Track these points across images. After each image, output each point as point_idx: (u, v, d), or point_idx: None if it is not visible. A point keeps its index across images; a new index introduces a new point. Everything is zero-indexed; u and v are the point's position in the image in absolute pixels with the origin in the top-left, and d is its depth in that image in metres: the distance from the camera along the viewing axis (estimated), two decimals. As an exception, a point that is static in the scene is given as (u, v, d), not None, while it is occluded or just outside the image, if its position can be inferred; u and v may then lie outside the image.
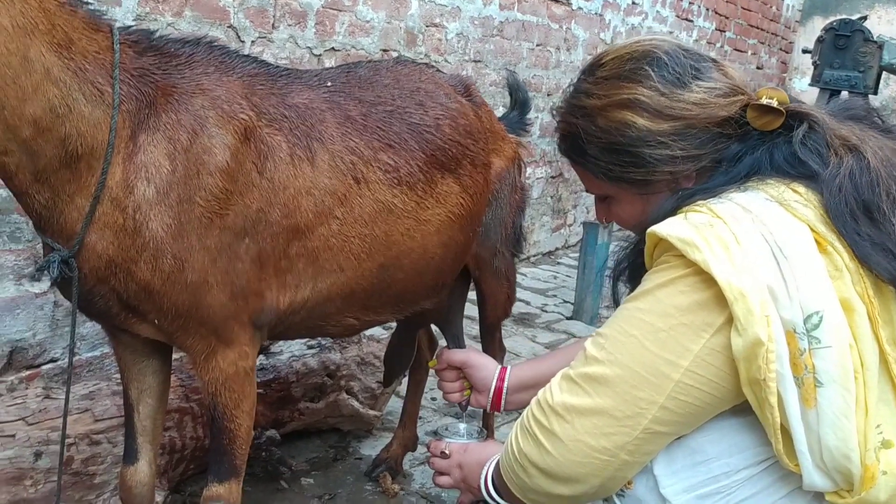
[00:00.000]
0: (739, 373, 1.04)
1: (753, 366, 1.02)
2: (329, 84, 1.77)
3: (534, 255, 5.49)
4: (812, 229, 1.06)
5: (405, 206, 1.78)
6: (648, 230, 1.14)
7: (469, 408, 1.67)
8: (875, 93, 5.67)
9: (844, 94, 5.65)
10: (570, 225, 5.94)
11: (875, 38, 5.77)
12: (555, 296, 4.77)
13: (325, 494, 2.43)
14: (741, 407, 1.10)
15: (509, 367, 1.60)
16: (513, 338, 3.93)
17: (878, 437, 1.04)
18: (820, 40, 6.74)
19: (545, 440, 1.14)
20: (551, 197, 5.59)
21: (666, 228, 1.10)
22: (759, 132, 1.18)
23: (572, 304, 4.48)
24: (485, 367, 1.61)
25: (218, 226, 1.49)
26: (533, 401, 1.21)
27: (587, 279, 4.30)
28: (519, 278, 4.89)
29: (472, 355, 1.64)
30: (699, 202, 1.13)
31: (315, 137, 1.66)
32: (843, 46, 6.48)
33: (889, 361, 1.05)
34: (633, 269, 1.27)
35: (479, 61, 4.54)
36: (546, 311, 4.48)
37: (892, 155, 1.13)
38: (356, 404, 2.64)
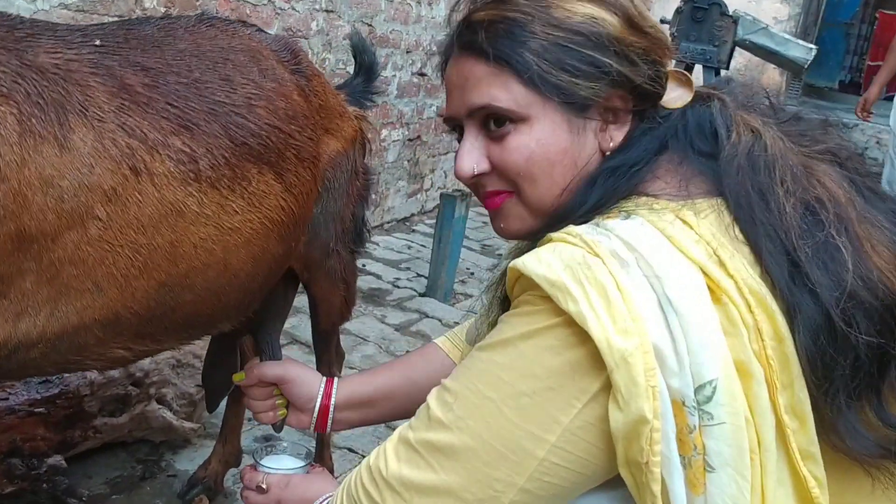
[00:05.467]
0: (617, 451, 0.89)
1: (635, 446, 0.87)
2: (98, 43, 1.33)
3: (388, 222, 5.23)
4: (704, 272, 0.90)
5: (202, 208, 1.38)
6: (510, 264, 0.95)
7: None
8: (727, 68, 5.82)
9: (698, 68, 5.77)
10: (426, 190, 5.71)
11: (731, 13, 5.92)
12: (408, 269, 4.54)
13: (127, 524, 2.07)
14: (613, 480, 0.93)
15: (336, 381, 1.38)
16: (360, 318, 3.65)
17: None
18: (679, 11, 6.80)
19: None
20: (408, 161, 5.32)
21: (531, 265, 0.91)
22: (661, 115, 1.04)
23: (426, 278, 4.26)
24: (306, 381, 1.38)
25: None
26: (362, 465, 1.02)
27: (442, 254, 4.11)
28: (371, 248, 4.62)
29: (291, 368, 1.40)
30: (571, 229, 0.94)
31: (72, 109, 1.24)
32: (701, 19, 6.57)
33: (787, 434, 0.90)
34: (503, 298, 1.07)
35: (332, 11, 4.12)
36: (398, 287, 4.24)
37: (788, 152, 1.00)
38: (169, 415, 2.26)
